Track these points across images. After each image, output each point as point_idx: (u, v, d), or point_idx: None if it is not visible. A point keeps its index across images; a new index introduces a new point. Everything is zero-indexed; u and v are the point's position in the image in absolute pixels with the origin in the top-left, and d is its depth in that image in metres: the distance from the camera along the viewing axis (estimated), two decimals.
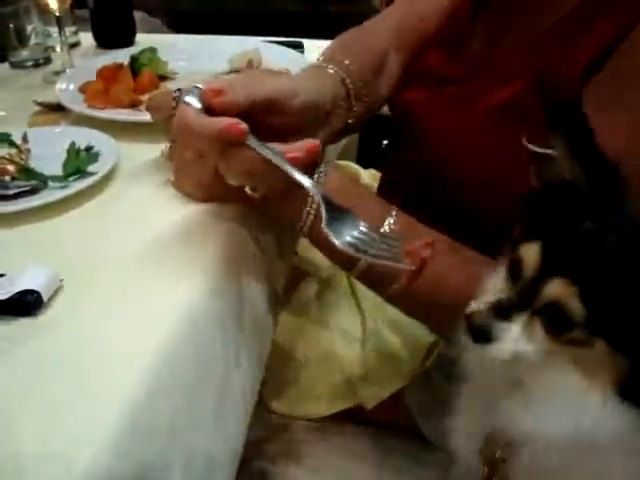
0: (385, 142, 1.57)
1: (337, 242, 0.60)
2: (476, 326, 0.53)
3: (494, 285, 0.57)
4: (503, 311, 0.53)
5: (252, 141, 0.64)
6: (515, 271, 0.54)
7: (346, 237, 0.61)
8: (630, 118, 0.65)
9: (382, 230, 0.69)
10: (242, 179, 0.68)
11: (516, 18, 0.85)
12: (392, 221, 0.72)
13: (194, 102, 0.66)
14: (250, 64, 1.07)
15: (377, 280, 0.75)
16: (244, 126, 0.63)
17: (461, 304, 0.56)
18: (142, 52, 1.10)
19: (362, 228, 0.62)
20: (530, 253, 0.53)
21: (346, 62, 0.86)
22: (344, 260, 0.75)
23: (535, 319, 0.52)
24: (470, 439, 0.63)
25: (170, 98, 0.73)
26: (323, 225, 0.61)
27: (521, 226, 0.57)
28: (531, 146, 0.56)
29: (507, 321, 0.53)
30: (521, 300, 0.53)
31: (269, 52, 1.12)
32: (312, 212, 0.71)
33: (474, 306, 0.54)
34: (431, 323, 0.82)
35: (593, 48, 0.70)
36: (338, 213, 0.62)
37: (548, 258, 0.51)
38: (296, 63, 1.08)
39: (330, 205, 0.63)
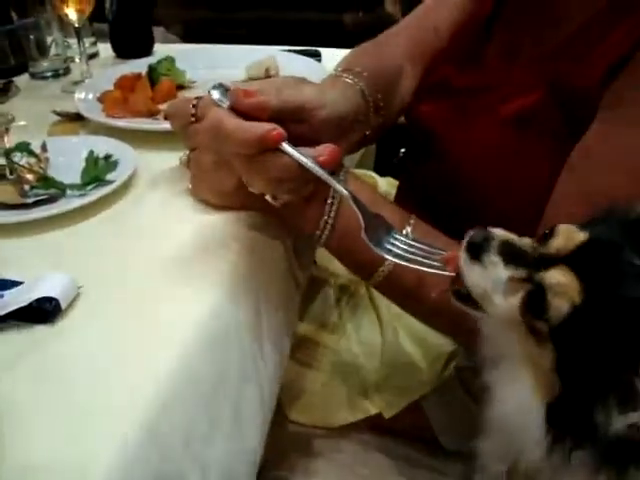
0: (402, 151, 1.57)
1: (377, 249, 0.60)
2: (476, 240, 0.53)
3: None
4: (508, 253, 0.52)
5: (286, 146, 0.62)
6: (546, 237, 0.52)
7: (385, 244, 0.61)
8: None
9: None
10: (271, 186, 0.67)
11: (532, 31, 0.85)
12: (409, 230, 0.71)
13: (220, 97, 0.65)
14: (267, 73, 1.07)
15: (396, 289, 0.74)
16: (282, 131, 0.62)
17: None
18: (160, 62, 1.10)
19: (396, 235, 0.62)
20: (565, 235, 0.51)
21: (364, 74, 0.85)
22: (362, 269, 0.75)
23: (522, 285, 0.51)
24: (497, 461, 0.62)
25: (189, 105, 0.74)
26: (362, 234, 0.60)
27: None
28: None
29: (503, 262, 0.52)
30: (528, 261, 0.51)
31: (286, 61, 1.12)
32: (330, 222, 0.71)
33: (484, 231, 0.54)
34: (451, 330, 0.82)
35: (609, 57, 0.69)
36: (372, 220, 0.62)
37: (577, 252, 0.50)
38: (314, 72, 1.08)
39: (362, 211, 0.62)
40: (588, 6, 0.76)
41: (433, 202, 0.87)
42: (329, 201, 0.70)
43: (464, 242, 0.54)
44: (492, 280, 0.52)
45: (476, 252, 0.53)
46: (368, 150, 1.51)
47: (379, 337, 0.98)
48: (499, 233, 0.53)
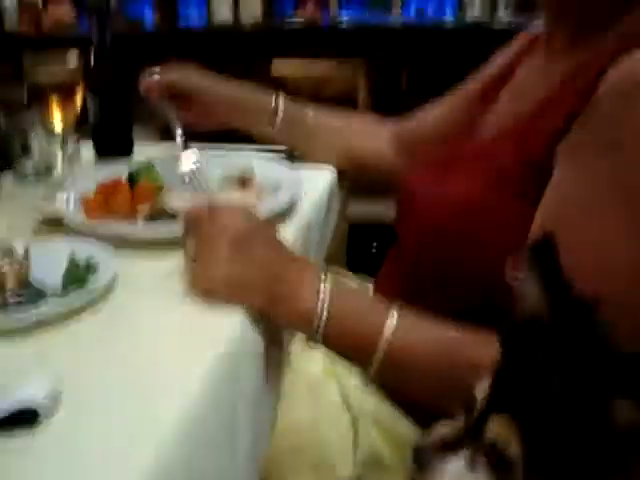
0: (375, 245, 1.62)
1: None
2: (420, 458, 0.56)
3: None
4: (449, 445, 0.55)
5: None
6: (469, 405, 0.56)
7: None
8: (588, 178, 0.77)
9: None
10: None
11: (507, 105, 1.01)
12: (395, 319, 0.80)
13: None
14: (243, 177, 1.12)
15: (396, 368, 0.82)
16: None
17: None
18: (139, 167, 1.14)
19: None
20: (480, 389, 0.55)
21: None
22: (362, 351, 0.82)
23: (479, 455, 0.53)
24: None
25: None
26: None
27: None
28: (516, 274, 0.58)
29: (453, 454, 0.54)
30: (468, 435, 0.54)
31: (262, 165, 1.17)
32: (321, 326, 0.80)
33: (425, 438, 0.57)
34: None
35: (556, 122, 0.82)
36: None
37: (495, 395, 0.53)
38: (288, 176, 1.13)
39: None
40: (546, 82, 0.90)
41: (414, 283, 0.94)
42: (321, 287, 0.81)
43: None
44: (456, 475, 0.54)
45: (427, 468, 0.55)
46: (340, 246, 1.55)
47: (352, 435, 0.99)
48: (430, 438, 0.57)
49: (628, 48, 0.80)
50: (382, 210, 1.65)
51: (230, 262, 0.79)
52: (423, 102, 1.26)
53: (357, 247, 1.60)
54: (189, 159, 1.17)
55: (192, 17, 3.22)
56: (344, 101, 3.99)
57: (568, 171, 0.80)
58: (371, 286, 1.17)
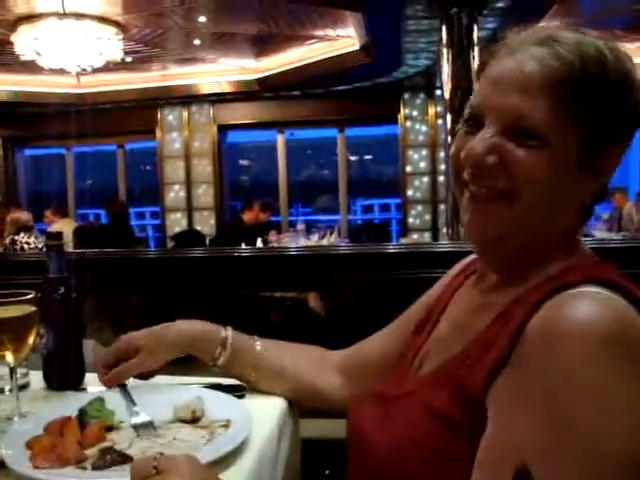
0: (327, 472, 1.60)
1: None
2: None
3: None
4: None
5: None
6: None
7: None
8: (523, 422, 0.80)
9: None
10: None
11: (440, 343, 1.05)
12: None
13: None
14: (194, 415, 1.13)
15: None
16: None
17: None
18: (90, 403, 1.14)
19: None
20: None
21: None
22: None
23: None
24: None
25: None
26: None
27: None
28: None
29: None
30: None
31: (211, 401, 1.19)
32: None
33: None
34: None
35: (488, 364, 0.87)
36: None
37: None
38: (238, 411, 1.15)
39: None
40: (478, 324, 0.95)
41: None
42: None
43: None
44: None
45: None
46: (293, 471, 1.53)
47: None
48: None
49: (552, 291, 0.86)
50: (334, 426, 1.65)
51: None
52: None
53: (311, 468, 1.58)
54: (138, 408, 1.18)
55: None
56: (295, 303, 4.09)
57: (503, 416, 0.84)
58: None
